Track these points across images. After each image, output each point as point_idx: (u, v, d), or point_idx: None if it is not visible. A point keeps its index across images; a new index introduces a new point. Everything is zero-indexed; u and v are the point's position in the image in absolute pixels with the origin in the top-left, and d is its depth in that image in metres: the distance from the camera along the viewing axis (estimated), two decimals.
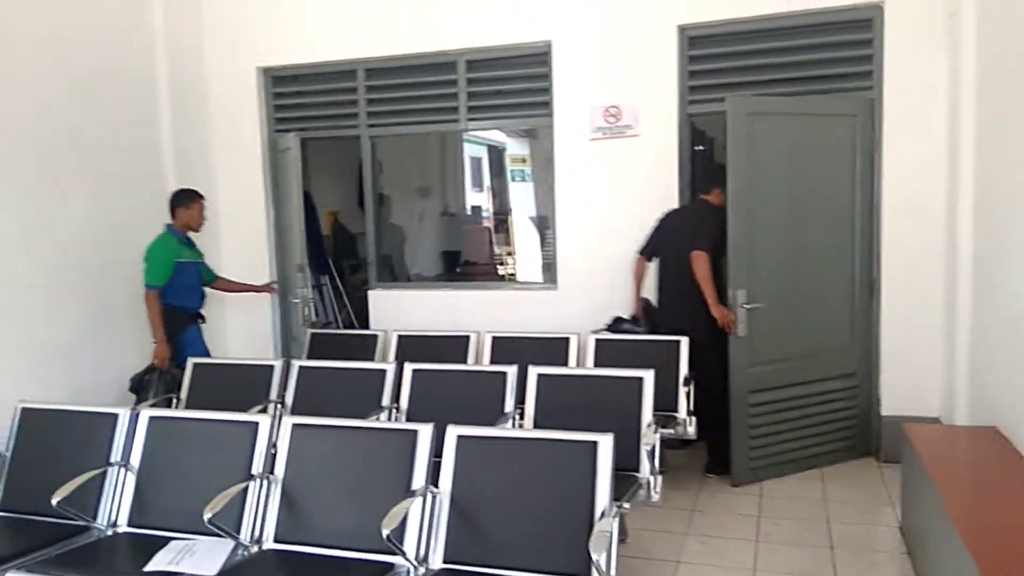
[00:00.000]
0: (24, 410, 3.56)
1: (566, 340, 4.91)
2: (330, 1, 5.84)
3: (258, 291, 5.75)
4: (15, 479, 3.46)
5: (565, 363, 4.81)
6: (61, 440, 3.47)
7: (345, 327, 7.50)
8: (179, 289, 4.97)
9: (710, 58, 5.21)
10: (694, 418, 4.27)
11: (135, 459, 3.26)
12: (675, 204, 5.17)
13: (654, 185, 5.22)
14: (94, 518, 3.18)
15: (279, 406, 4.31)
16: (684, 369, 4.44)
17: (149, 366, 4.84)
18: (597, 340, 4.74)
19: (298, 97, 6.21)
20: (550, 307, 5.56)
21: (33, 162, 4.83)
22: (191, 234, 5.18)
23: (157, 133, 5.78)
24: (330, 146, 7.59)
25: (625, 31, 5.26)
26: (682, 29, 5.18)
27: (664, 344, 4.56)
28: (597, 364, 4.60)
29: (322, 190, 8.15)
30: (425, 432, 2.90)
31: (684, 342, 4.51)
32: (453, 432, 2.90)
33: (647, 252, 5.04)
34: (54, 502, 2.99)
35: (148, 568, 2.72)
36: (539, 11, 5.42)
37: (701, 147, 6.00)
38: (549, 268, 5.84)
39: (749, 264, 4.55)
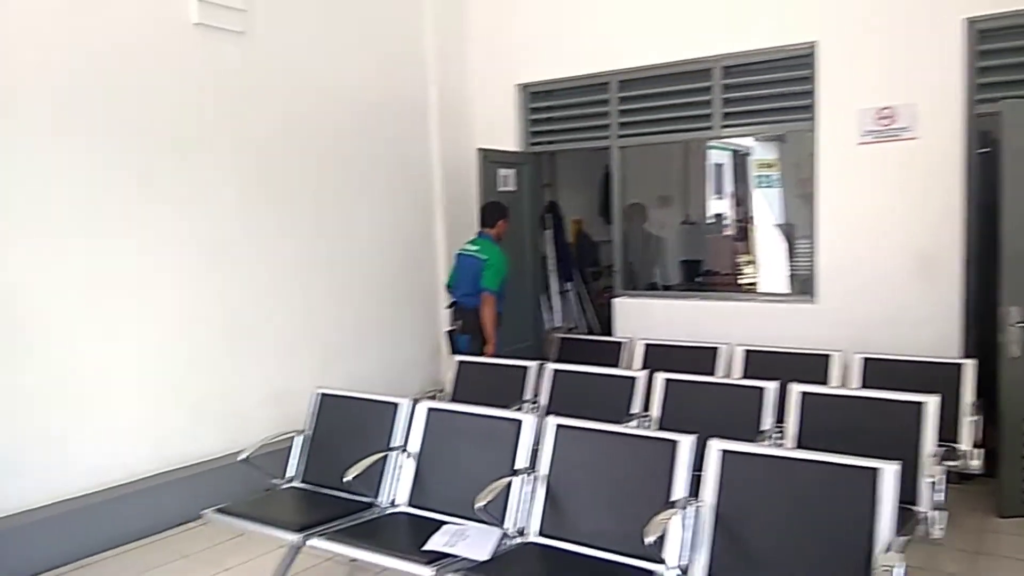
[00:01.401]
0: (322, 396, 4.03)
1: (826, 357, 4.65)
2: (586, 18, 6.03)
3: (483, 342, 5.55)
4: (314, 456, 3.92)
5: (824, 381, 4.56)
6: (350, 423, 3.89)
7: (587, 332, 7.67)
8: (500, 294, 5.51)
9: (1003, 53, 4.69)
10: (981, 450, 3.86)
11: (413, 445, 3.57)
12: (958, 211, 4.71)
13: (934, 191, 4.80)
14: (377, 496, 3.53)
15: (534, 405, 4.51)
16: (969, 395, 4.03)
17: None
18: (865, 359, 4.44)
19: (552, 111, 6.46)
20: (805, 321, 5.30)
21: (330, 185, 5.55)
22: None
23: (427, 151, 6.32)
24: (575, 157, 7.82)
25: (900, 27, 4.89)
26: (971, 22, 4.71)
27: (945, 367, 4.17)
28: (865, 385, 4.31)
29: (567, 199, 8.42)
30: (685, 443, 2.90)
31: (970, 365, 4.09)
32: (716, 446, 2.86)
33: None
34: (345, 480, 3.35)
35: (427, 547, 2.96)
36: (803, 12, 5.20)
37: (986, 149, 5.42)
38: (800, 279, 5.56)
39: None
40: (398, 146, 6.10)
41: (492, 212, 5.71)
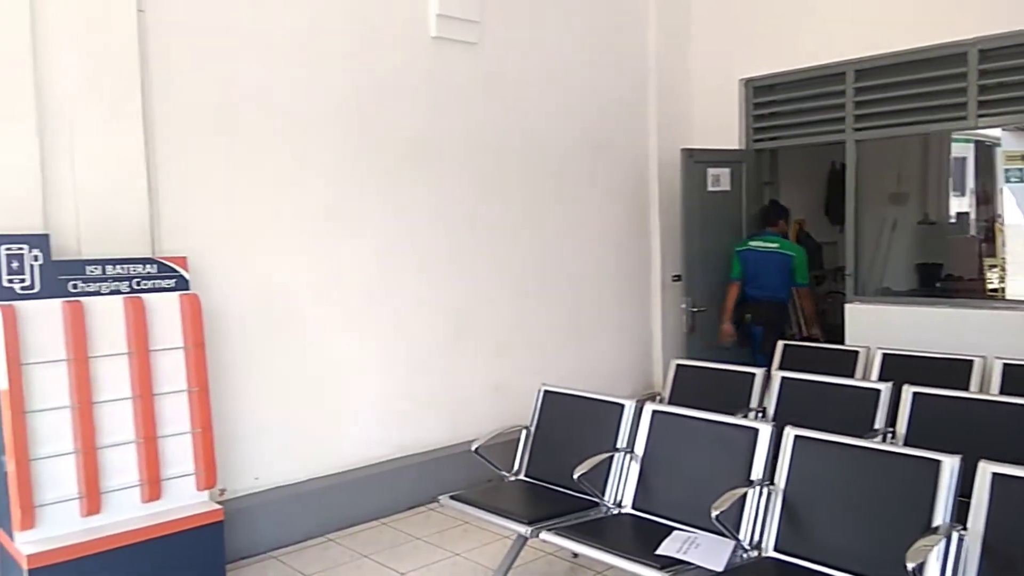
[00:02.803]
0: (546, 392, 4.11)
1: None
2: (819, 6, 5.69)
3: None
4: (537, 451, 4.01)
5: None
6: (573, 421, 3.93)
7: (806, 339, 7.23)
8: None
9: None
10: None
11: (639, 447, 3.54)
12: None
13: None
14: (603, 496, 3.53)
15: (759, 414, 4.32)
16: None
17: None
18: None
19: (778, 105, 6.17)
20: None
21: (552, 185, 5.67)
22: None
23: (645, 150, 6.29)
24: (797, 153, 7.41)
25: None
26: None
27: None
28: None
29: (788, 198, 7.99)
30: (949, 464, 2.64)
31: None
32: (988, 469, 2.58)
33: None
34: (575, 476, 3.38)
35: (659, 551, 2.92)
36: None
37: None
38: None
39: None
40: (616, 146, 6.10)
41: (774, 211, 6.25)
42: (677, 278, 6.23)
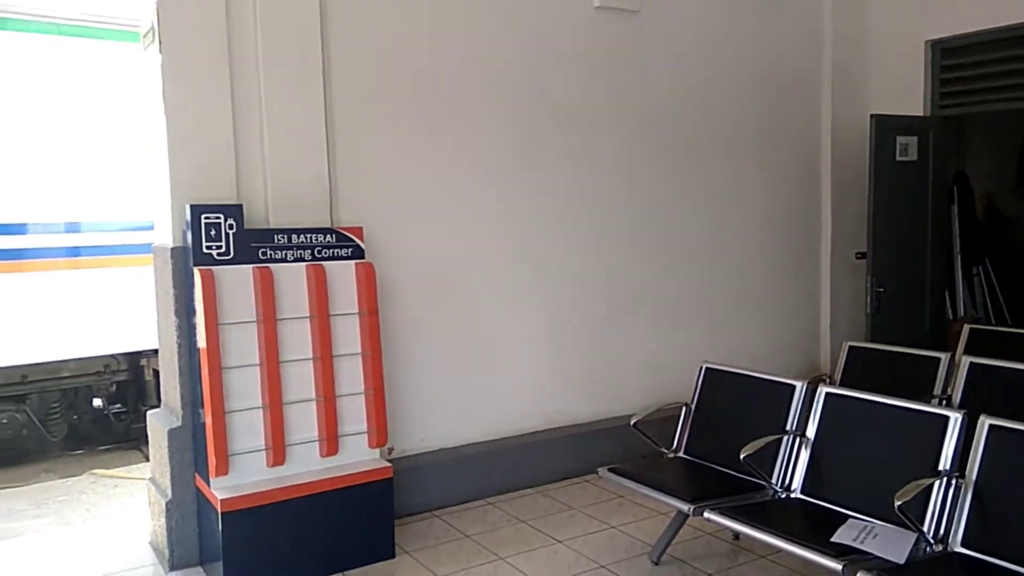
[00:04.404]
0: (707, 370, 4.02)
1: None
2: None
3: None
4: (696, 428, 3.93)
5: None
6: (737, 400, 3.83)
7: (996, 322, 6.65)
8: None
9: None
10: None
11: (810, 431, 3.39)
12: None
13: None
14: (769, 478, 3.42)
15: (943, 401, 4.02)
16: None
17: None
18: None
19: (967, 69, 5.64)
20: None
21: (715, 157, 5.50)
22: None
23: (815, 119, 5.96)
24: (987, 121, 6.77)
25: None
26: None
27: None
28: None
29: (977, 169, 7.33)
30: None
31: None
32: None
33: None
34: (741, 457, 3.29)
35: (835, 539, 2.80)
36: None
37: None
38: None
39: None
40: (784, 115, 5.81)
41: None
42: (861, 255, 5.81)
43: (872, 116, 5.53)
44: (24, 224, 6.79)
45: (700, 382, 4.02)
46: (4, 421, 7.04)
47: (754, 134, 5.66)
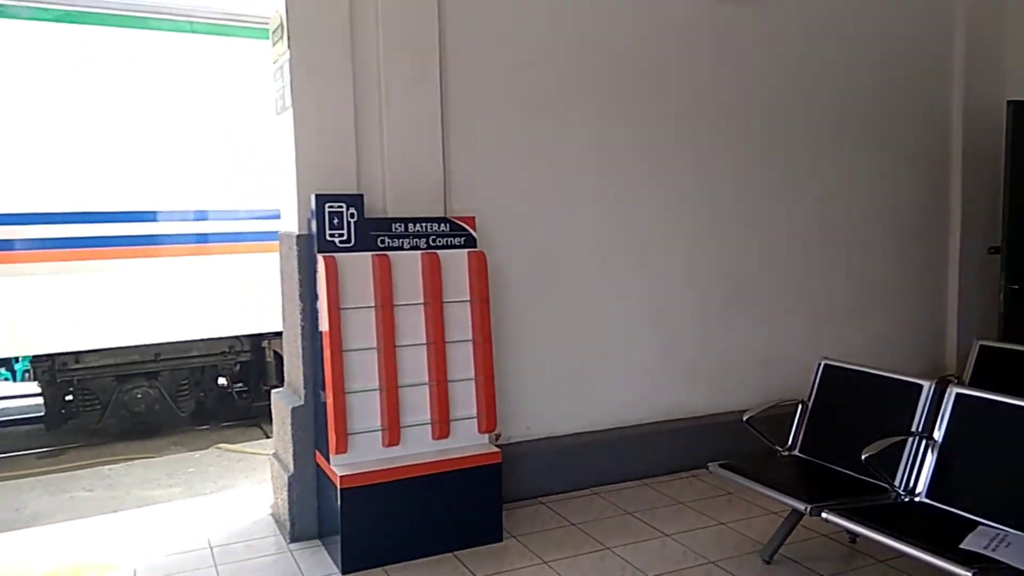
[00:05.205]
0: (826, 366, 3.89)
1: None
2: None
3: None
4: (813, 427, 3.81)
5: None
6: (858, 399, 3.69)
7: None
8: None
9: None
10: None
11: (937, 433, 3.23)
12: None
13: None
14: (892, 481, 3.28)
15: None
16: None
17: None
18: None
19: None
20: None
21: (834, 145, 5.31)
22: None
23: (946, 104, 5.65)
24: None
25: None
26: None
27: None
28: None
29: None
30: None
31: None
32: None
33: None
34: (863, 458, 3.16)
35: (964, 546, 2.67)
36: None
37: None
38: None
39: None
40: (910, 99, 5.52)
41: None
42: (994, 250, 5.47)
43: (1009, 102, 5.19)
44: (155, 212, 7.28)
45: (818, 378, 3.89)
46: (139, 396, 7.59)
47: (877, 121, 5.41)
